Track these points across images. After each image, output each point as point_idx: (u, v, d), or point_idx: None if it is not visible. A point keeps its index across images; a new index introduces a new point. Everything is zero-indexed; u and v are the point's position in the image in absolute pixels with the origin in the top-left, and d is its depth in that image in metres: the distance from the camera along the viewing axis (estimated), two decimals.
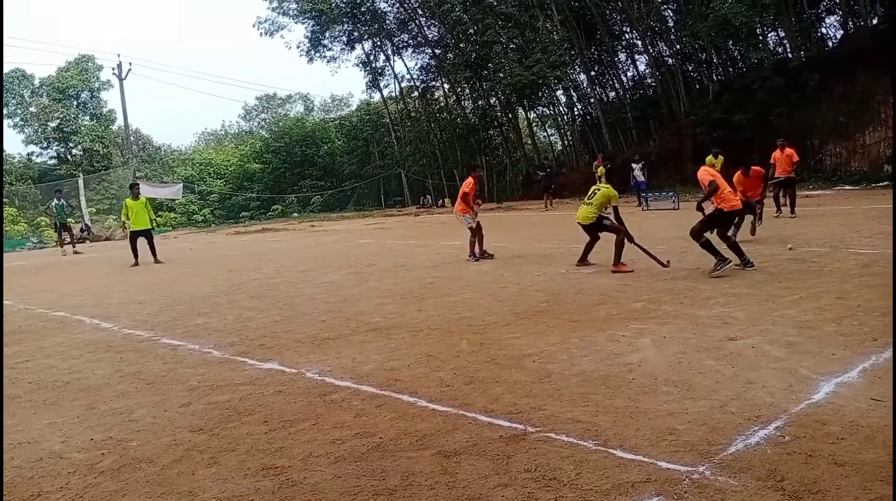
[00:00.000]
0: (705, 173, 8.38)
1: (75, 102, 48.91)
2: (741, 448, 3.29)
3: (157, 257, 16.14)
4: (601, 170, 21.28)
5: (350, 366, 5.35)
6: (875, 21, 26.59)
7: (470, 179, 12.08)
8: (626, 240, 9.07)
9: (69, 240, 23.23)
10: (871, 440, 3.26)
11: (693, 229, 8.29)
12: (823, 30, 30.62)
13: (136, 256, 15.80)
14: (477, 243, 11.70)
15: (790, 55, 29.10)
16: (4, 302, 10.76)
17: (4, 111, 47.07)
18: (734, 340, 5.21)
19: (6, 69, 47.92)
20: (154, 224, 17.03)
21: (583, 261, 9.72)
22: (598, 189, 9.55)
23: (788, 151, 15.02)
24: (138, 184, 18.39)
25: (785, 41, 30.26)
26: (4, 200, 39.07)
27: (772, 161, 15.20)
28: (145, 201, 16.46)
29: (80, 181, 38.62)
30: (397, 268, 11.43)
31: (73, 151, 48.73)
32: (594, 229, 9.53)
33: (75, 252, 22.32)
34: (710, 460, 3.18)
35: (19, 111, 47.46)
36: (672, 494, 2.88)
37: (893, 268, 6.65)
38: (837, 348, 4.78)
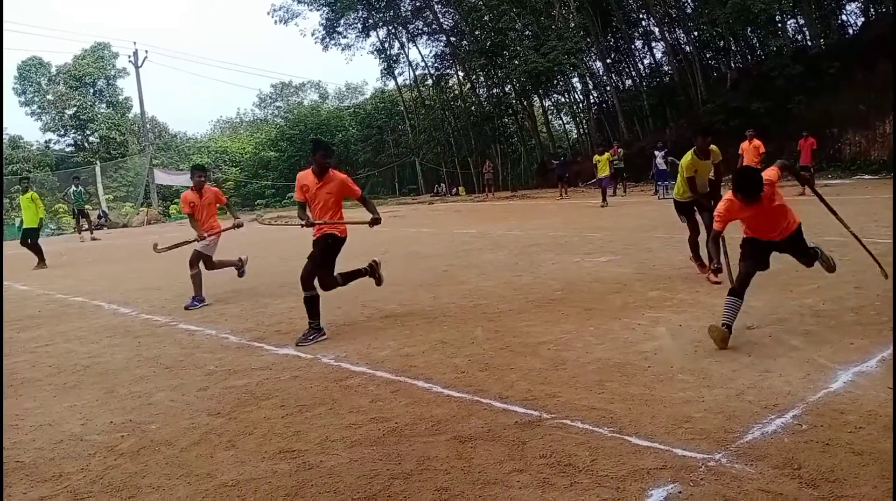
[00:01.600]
0: (350, 186, 6.31)
1: (92, 90, 49.20)
2: (758, 436, 3.28)
3: (41, 261, 13.89)
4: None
5: (365, 352, 5.38)
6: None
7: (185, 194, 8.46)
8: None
9: (87, 226, 23.48)
10: (889, 429, 3.23)
11: (321, 282, 6.22)
12: (844, 17, 30.23)
13: (37, 256, 13.92)
14: (194, 285, 8.10)
15: (810, 43, 28.73)
16: (23, 287, 10.91)
17: (22, 99, 47.54)
18: (751, 328, 5.18)
19: (23, 56, 48.41)
20: (42, 223, 14.75)
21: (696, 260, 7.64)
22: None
23: (756, 142, 15.31)
24: (28, 178, 16.16)
25: (804, 28, 29.84)
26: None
27: (740, 152, 15.45)
28: (32, 195, 14.21)
29: (97, 169, 38.88)
30: (412, 255, 11.44)
31: (90, 138, 49.09)
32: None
33: (93, 239, 22.55)
34: (726, 448, 3.17)
35: (37, 99, 47.81)
36: (688, 481, 2.88)
37: (893, 265, 6.54)
38: (856, 337, 4.74)
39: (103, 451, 3.71)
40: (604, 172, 20.47)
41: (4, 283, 10.92)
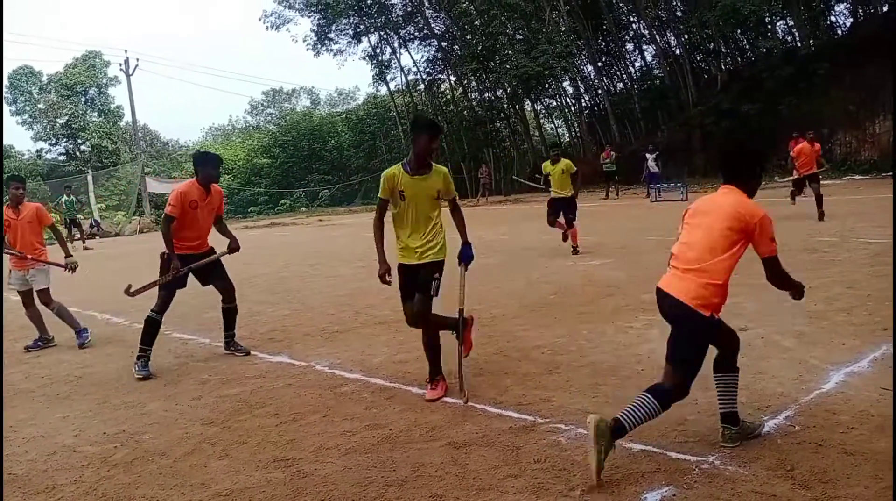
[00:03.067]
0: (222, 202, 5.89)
1: (83, 99, 49.03)
2: (751, 438, 3.29)
3: None
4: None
5: (359, 359, 5.38)
6: (885, 8, 26.35)
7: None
8: None
9: (79, 236, 23.37)
10: (881, 429, 3.25)
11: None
12: (833, 18, 30.40)
13: None
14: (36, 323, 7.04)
15: (799, 44, 28.89)
16: (15, 297, 10.83)
17: (13, 108, 47.33)
18: (744, 330, 5.18)
19: (15, 65, 48.18)
20: None
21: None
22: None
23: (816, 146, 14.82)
24: None
25: (794, 30, 30.02)
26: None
27: (794, 154, 14.88)
28: None
29: (89, 177, 38.69)
30: None
31: (82, 147, 48.89)
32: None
33: (85, 248, 22.43)
34: (720, 450, 3.19)
35: (28, 108, 47.61)
36: (682, 483, 2.89)
37: (893, 265, 6.59)
38: (847, 337, 4.77)
39: (96, 462, 3.70)
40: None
41: None
